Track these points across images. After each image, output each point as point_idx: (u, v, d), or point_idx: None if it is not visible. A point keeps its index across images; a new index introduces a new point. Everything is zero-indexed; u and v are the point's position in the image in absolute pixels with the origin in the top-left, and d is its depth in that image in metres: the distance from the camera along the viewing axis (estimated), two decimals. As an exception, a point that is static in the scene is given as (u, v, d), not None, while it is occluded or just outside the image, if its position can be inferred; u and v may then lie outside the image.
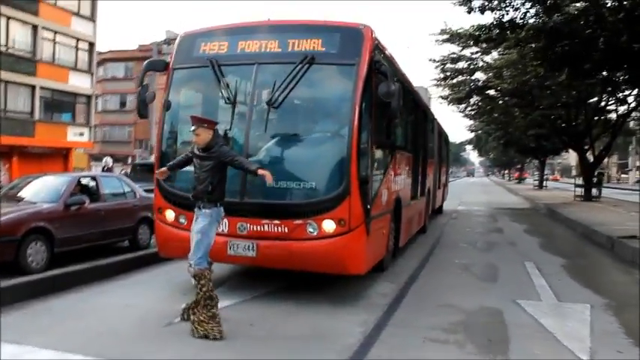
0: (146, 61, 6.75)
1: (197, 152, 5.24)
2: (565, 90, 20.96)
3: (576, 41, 10.81)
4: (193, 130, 5.12)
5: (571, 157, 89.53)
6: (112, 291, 6.59)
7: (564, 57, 11.32)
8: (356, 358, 4.43)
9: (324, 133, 6.12)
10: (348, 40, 6.07)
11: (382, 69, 6.10)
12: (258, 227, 5.88)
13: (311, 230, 5.80)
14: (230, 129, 6.15)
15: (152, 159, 18.87)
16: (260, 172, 5.07)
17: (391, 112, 6.15)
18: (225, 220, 5.85)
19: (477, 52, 22.31)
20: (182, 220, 6.26)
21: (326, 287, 6.76)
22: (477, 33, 13.63)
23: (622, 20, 9.89)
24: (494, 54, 22.62)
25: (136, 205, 9.72)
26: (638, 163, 73.86)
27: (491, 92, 23.55)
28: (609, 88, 18.08)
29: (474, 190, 46.20)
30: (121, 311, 5.67)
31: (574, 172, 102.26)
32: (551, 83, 19.50)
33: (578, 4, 10.91)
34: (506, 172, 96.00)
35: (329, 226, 5.76)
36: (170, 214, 6.36)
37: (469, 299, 6.45)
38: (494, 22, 12.51)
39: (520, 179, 73.83)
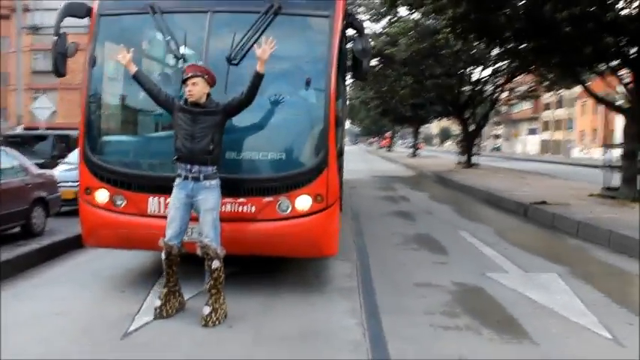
0: (63, 5, 5.35)
1: (188, 106, 4.41)
2: (454, 59, 21.62)
3: (498, 10, 10.86)
4: (187, 79, 4.35)
5: (432, 127, 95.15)
6: (27, 294, 5.26)
7: (483, 25, 11.33)
8: (380, 359, 3.79)
9: (295, 96, 5.25)
10: None
11: (355, 23, 5.40)
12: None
13: (283, 208, 5.00)
14: (180, 90, 5.07)
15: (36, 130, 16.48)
16: (259, 67, 4.47)
17: (362, 72, 5.47)
18: (177, 199, 4.87)
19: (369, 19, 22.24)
20: (119, 201, 5.12)
21: (279, 271, 6.03)
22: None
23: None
24: (384, 22, 22.77)
25: (29, 184, 8.10)
26: (493, 132, 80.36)
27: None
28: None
29: (351, 158, 46.87)
30: (53, 323, 4.43)
31: (435, 141, 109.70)
32: (446, 53, 19.94)
33: None
34: (375, 140, 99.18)
35: (305, 202, 4.99)
36: (102, 195, 5.17)
37: (438, 276, 6.10)
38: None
39: (389, 147, 76.75)
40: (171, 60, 5.22)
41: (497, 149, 78.34)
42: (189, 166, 4.46)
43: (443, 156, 47.92)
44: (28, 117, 22.43)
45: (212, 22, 5.09)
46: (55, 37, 5.20)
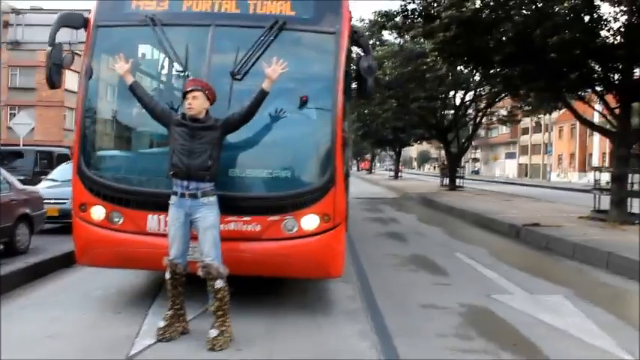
0: (59, 15, 5.15)
1: (186, 121, 4.24)
2: (437, 83, 21.83)
3: (488, 35, 10.96)
4: (188, 93, 4.21)
5: (412, 150, 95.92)
6: (16, 316, 4.94)
7: (472, 49, 11.42)
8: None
9: (302, 114, 5.07)
10: (324, 5, 5.12)
11: (361, 40, 5.30)
12: (223, 226, 4.71)
13: (289, 228, 4.80)
14: (182, 104, 4.88)
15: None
16: (266, 85, 4.39)
17: (367, 90, 5.36)
18: (179, 217, 4.66)
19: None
20: (116, 219, 4.87)
21: (279, 292, 5.82)
22: (382, 20, 13.38)
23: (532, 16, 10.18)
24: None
25: (13, 200, 7.77)
26: (471, 156, 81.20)
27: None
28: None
29: (334, 180, 47.02)
30: (48, 347, 4.14)
31: (414, 164, 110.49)
32: (430, 76, 20.10)
33: None
34: (354, 162, 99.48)
35: (311, 222, 4.81)
36: (98, 212, 4.90)
37: (442, 297, 5.95)
38: (400, 10, 12.38)
39: (369, 169, 76.95)
40: (171, 74, 5.04)
41: (476, 172, 79.17)
42: (185, 183, 4.26)
43: (424, 178, 48.21)
44: (5, 133, 21.90)
45: (215, 36, 4.92)
46: (50, 48, 4.97)
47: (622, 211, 11.52)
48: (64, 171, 11.23)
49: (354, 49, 5.77)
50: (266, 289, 5.81)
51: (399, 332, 4.65)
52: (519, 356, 4.15)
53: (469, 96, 25.02)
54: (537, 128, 62.89)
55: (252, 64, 4.81)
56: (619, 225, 10.86)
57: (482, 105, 25.67)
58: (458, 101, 25.66)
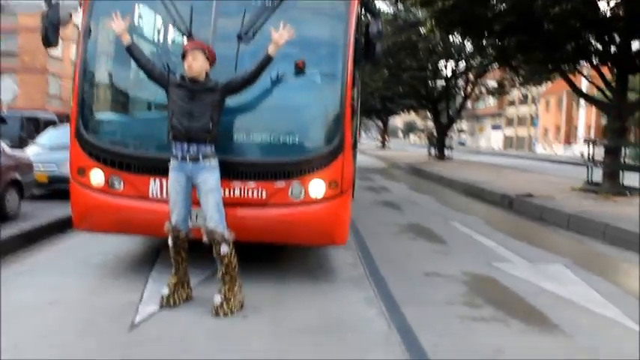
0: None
1: (186, 83, 4.07)
2: (429, 54, 21.62)
3: (487, 3, 10.78)
4: (187, 54, 4.06)
5: (397, 120, 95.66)
6: (13, 283, 4.79)
7: (470, 18, 11.23)
8: (420, 358, 3.52)
9: (312, 80, 4.92)
10: None
11: (370, 5, 5.16)
12: (228, 191, 4.59)
13: (295, 194, 4.70)
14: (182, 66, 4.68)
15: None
16: (271, 50, 4.22)
17: (376, 55, 5.20)
18: (182, 181, 4.54)
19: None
20: (117, 183, 4.72)
21: (280, 260, 5.76)
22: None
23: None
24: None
25: (3, 165, 7.54)
26: (457, 127, 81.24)
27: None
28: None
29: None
30: (50, 314, 4.02)
31: (400, 134, 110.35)
32: (423, 46, 19.87)
33: None
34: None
35: (319, 188, 4.71)
36: (97, 176, 4.75)
37: (445, 265, 5.93)
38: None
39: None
40: (173, 37, 4.82)
41: (462, 144, 79.47)
42: (186, 146, 4.11)
43: (411, 149, 48.23)
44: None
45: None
46: (47, 7, 4.77)
47: (615, 183, 11.57)
48: (51, 136, 10.97)
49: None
50: (267, 256, 5.73)
51: (406, 300, 4.61)
52: (528, 324, 4.13)
53: (461, 67, 24.83)
54: (524, 101, 63.05)
55: (260, 27, 4.63)
56: (612, 197, 10.91)
57: (472, 76, 25.51)
58: (449, 72, 25.46)
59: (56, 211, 7.63)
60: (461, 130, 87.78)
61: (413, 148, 47.15)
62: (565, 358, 3.54)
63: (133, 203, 4.70)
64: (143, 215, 4.68)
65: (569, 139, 53.60)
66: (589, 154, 12.52)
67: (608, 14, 11.34)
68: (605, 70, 12.58)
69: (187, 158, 4.10)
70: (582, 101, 45.22)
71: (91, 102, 4.92)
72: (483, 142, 76.53)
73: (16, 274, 5.11)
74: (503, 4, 10.85)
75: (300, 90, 4.84)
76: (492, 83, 31.28)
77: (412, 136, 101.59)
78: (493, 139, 74.15)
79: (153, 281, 4.83)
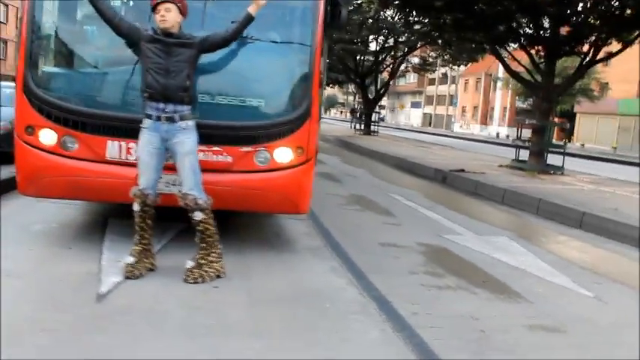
0: None
1: (160, 36, 3.83)
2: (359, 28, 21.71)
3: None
4: (159, 5, 3.79)
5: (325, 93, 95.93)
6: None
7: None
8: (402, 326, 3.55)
9: (281, 44, 4.73)
10: None
11: None
12: (191, 156, 4.38)
13: (261, 160, 4.57)
14: (149, 21, 4.37)
15: None
16: (252, 9, 4.09)
17: (342, 20, 5.10)
18: (144, 146, 4.29)
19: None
20: (70, 144, 4.36)
21: (235, 229, 5.62)
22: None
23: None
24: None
25: None
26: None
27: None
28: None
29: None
30: (9, 286, 3.66)
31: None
32: (355, 19, 19.89)
33: None
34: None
35: (285, 155, 4.60)
36: (48, 136, 4.35)
37: (398, 236, 6.04)
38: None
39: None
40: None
41: (382, 119, 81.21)
42: (162, 105, 3.90)
43: (334, 122, 48.55)
44: None
45: None
46: None
47: (540, 161, 12.26)
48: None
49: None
50: (223, 224, 5.57)
51: (370, 270, 4.63)
52: (492, 292, 4.30)
53: (389, 42, 25.13)
54: (443, 80, 65.11)
55: None
56: (537, 174, 11.56)
57: (400, 53, 25.94)
58: (378, 47, 25.72)
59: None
60: (381, 107, 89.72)
61: (336, 122, 47.44)
62: (534, 323, 3.71)
63: (88, 166, 4.39)
64: (99, 178, 4.38)
65: (485, 119, 56.15)
66: (518, 134, 13.16)
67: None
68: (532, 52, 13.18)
69: (162, 118, 3.87)
70: (499, 83, 47.61)
71: (43, 54, 4.48)
72: (402, 118, 78.47)
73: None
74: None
75: (269, 54, 4.67)
76: (416, 60, 31.98)
77: (333, 111, 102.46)
78: (412, 116, 76.22)
79: (108, 250, 4.54)
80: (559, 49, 12.04)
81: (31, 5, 4.36)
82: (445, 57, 24.62)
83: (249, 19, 4.05)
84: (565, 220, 7.52)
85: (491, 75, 51.23)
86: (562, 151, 12.75)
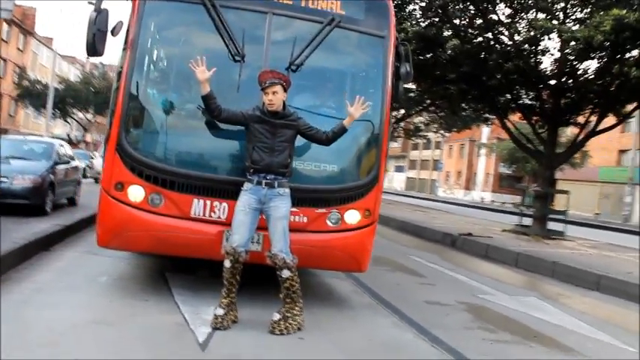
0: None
1: (267, 117, 4.24)
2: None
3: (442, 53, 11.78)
4: (267, 87, 4.21)
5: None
6: (38, 301, 4.54)
7: (425, 64, 12.14)
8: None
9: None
10: (374, 9, 5.33)
11: (402, 47, 5.57)
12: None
13: (333, 221, 4.98)
14: (238, 91, 4.85)
15: None
16: (347, 122, 4.62)
17: (399, 94, 5.68)
18: (225, 204, 4.68)
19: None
20: (157, 200, 4.70)
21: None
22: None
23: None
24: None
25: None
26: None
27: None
28: None
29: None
30: (103, 333, 3.93)
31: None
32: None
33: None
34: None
35: (354, 217, 5.03)
36: (137, 192, 4.67)
37: (438, 295, 6.40)
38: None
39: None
40: (224, 58, 4.93)
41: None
42: (264, 174, 4.34)
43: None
44: None
45: (271, 24, 4.95)
46: (95, 13, 4.70)
47: (543, 226, 12.82)
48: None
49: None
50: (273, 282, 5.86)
51: (429, 325, 4.97)
52: (547, 347, 4.66)
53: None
54: (427, 145, 66.73)
55: (307, 58, 4.90)
56: (542, 239, 12.08)
57: (400, 116, 26.80)
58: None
59: (24, 228, 7.18)
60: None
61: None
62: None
63: (173, 222, 4.71)
64: (183, 234, 4.70)
65: (468, 184, 57.45)
66: (522, 200, 13.79)
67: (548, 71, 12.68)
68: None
69: (263, 183, 4.29)
70: (483, 150, 49.11)
71: (136, 116, 4.88)
72: (386, 182, 79.47)
73: (34, 291, 4.84)
74: (455, 52, 11.69)
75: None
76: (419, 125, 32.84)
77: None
78: (396, 180, 77.46)
79: (182, 304, 4.79)
80: (560, 120, 12.84)
81: (130, 72, 4.77)
82: (440, 122, 25.48)
83: (343, 131, 4.63)
84: (581, 282, 7.95)
85: (474, 141, 53.03)
86: (563, 217, 13.38)
